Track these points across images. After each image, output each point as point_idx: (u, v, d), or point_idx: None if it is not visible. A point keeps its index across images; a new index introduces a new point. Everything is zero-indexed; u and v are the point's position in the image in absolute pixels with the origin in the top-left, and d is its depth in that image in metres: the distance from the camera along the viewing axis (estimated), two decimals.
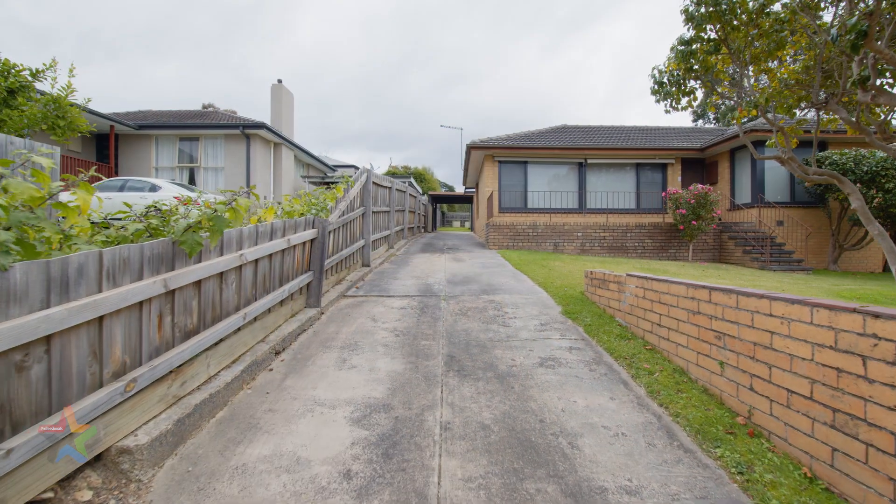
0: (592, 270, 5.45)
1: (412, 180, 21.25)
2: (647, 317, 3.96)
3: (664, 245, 12.60)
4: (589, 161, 14.68)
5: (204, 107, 19.18)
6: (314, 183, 19.27)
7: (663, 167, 15.00)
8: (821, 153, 11.89)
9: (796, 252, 12.03)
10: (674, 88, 5.53)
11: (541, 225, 12.64)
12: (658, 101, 5.79)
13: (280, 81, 18.47)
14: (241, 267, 3.17)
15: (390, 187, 11.13)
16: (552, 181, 14.91)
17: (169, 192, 10.83)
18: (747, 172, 13.19)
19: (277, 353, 3.59)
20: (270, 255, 3.70)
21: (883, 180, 10.06)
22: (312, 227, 4.64)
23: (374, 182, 9.07)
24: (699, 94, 5.97)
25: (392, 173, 36.64)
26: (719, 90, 5.91)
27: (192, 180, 15.99)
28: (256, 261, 3.44)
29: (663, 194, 13.01)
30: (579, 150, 14.21)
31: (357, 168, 19.40)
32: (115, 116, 15.22)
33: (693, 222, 11.44)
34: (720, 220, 13.41)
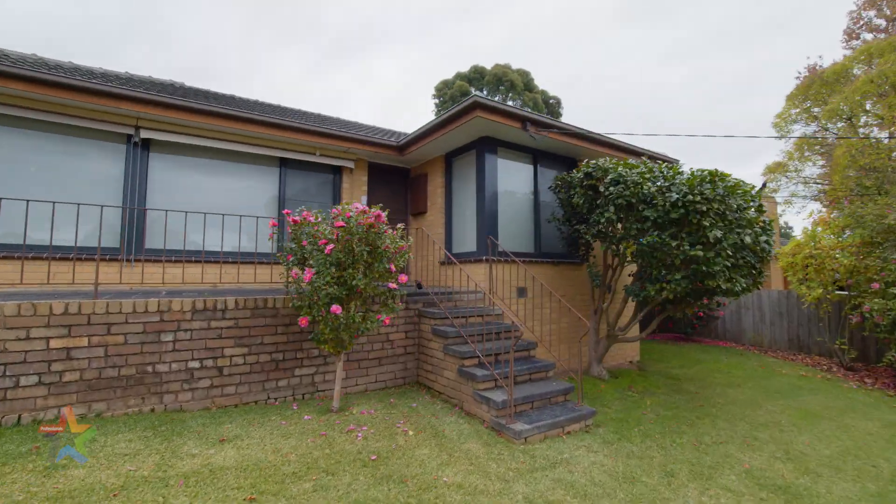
0: None
1: None
2: None
3: (275, 363, 4.62)
4: (153, 138, 5.92)
5: None
6: None
7: (336, 172, 7.62)
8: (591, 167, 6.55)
9: (558, 363, 5.98)
10: None
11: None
12: None
13: None
14: None
15: None
16: (45, 172, 5.39)
17: None
18: (471, 195, 6.92)
19: None
20: None
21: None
22: None
23: None
24: None
25: None
26: None
27: None
28: None
29: (271, 223, 4.93)
30: (124, 99, 5.31)
31: None
32: None
33: (347, 302, 3.78)
34: (420, 287, 6.58)
